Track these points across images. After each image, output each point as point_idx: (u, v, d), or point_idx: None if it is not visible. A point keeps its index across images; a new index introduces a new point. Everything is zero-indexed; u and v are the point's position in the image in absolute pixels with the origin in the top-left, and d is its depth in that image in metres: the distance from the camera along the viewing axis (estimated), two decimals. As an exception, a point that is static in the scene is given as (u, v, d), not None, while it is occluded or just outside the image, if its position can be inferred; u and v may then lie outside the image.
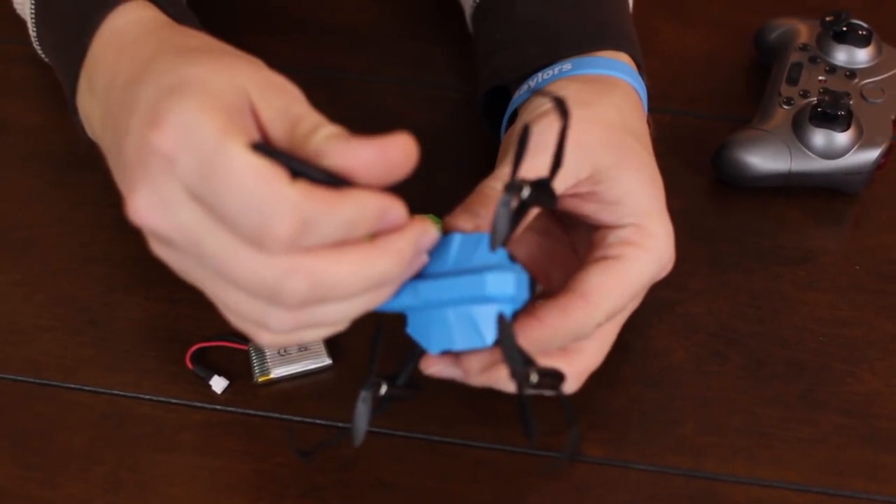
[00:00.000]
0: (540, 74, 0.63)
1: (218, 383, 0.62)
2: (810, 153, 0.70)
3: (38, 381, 0.62)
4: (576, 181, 0.57)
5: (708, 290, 0.67)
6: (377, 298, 0.50)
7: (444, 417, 0.61)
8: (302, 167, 0.46)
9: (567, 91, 0.60)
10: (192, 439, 0.60)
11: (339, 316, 0.49)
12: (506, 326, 0.51)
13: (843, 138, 0.69)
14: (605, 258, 0.56)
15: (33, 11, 0.65)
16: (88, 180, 0.71)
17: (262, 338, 0.49)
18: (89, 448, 0.60)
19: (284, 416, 0.61)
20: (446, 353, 0.53)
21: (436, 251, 0.52)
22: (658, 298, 0.63)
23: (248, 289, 0.47)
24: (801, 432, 0.61)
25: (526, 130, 0.50)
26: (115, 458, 0.59)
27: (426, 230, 0.50)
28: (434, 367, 0.54)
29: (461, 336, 0.52)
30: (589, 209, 0.58)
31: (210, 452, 0.60)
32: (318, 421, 0.61)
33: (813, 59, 0.74)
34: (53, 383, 0.62)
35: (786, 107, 0.71)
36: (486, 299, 0.51)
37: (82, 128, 0.61)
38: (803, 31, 0.76)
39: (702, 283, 0.67)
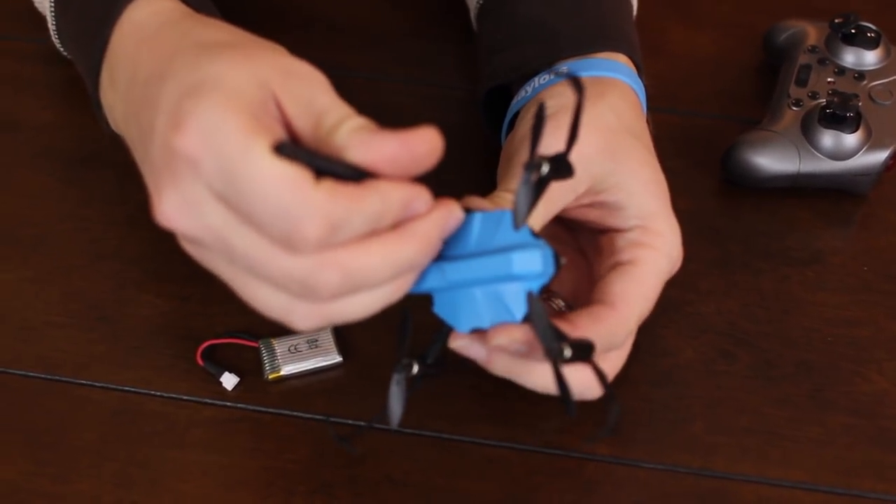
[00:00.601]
0: (537, 79, 0.63)
1: (228, 380, 0.62)
2: (819, 154, 0.70)
3: (49, 377, 0.62)
4: (574, 196, 0.57)
5: (717, 290, 0.67)
6: (403, 286, 0.50)
7: (454, 415, 0.61)
8: (326, 164, 0.46)
9: (565, 98, 0.60)
10: (203, 436, 0.60)
11: (366, 307, 0.49)
12: (535, 303, 0.51)
13: (851, 140, 0.69)
14: (619, 264, 0.57)
15: (52, 4, 0.66)
16: (99, 177, 0.71)
17: (293, 324, 0.50)
18: (100, 444, 0.60)
19: (295, 413, 0.61)
20: (475, 331, 0.53)
21: (457, 232, 0.52)
22: (667, 298, 0.63)
23: (279, 284, 0.47)
24: (809, 432, 0.61)
25: (542, 109, 0.50)
26: (126, 454, 0.59)
27: (451, 212, 0.50)
28: (461, 341, 0.54)
29: (490, 314, 0.52)
30: (594, 215, 0.58)
31: (221, 449, 0.60)
32: (329, 418, 0.61)
33: (822, 61, 0.74)
34: (65, 379, 0.62)
35: (795, 108, 0.72)
36: (513, 278, 0.51)
37: (105, 121, 0.61)
38: (812, 33, 0.76)
39: (710, 284, 0.67)
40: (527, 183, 0.50)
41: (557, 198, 0.57)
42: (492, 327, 0.52)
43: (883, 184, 0.72)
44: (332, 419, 0.61)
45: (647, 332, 0.63)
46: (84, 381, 0.62)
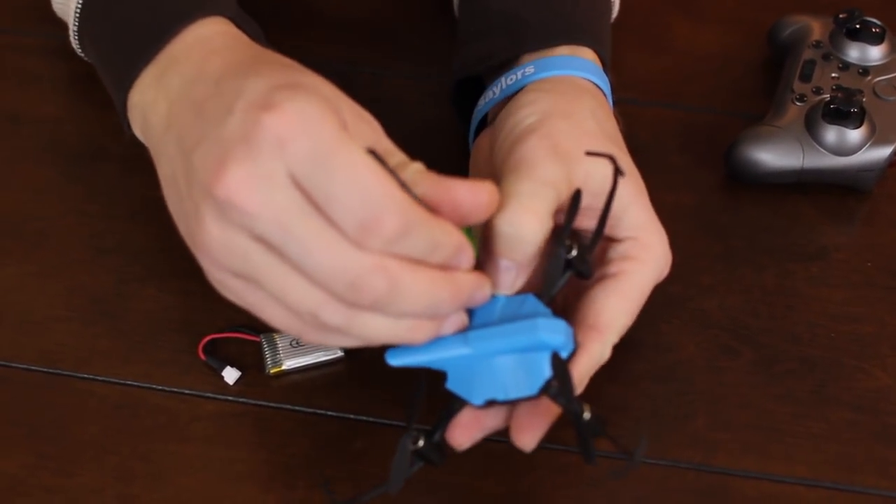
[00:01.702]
0: (504, 79, 0.64)
1: (230, 374, 0.62)
2: (823, 150, 0.70)
3: (51, 371, 0.62)
4: (567, 188, 0.57)
5: (719, 285, 0.67)
6: (418, 331, 0.51)
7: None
8: (402, 184, 0.49)
9: (543, 104, 0.60)
10: (205, 430, 0.60)
11: (381, 332, 0.50)
12: (561, 364, 0.53)
13: (855, 135, 0.69)
14: (606, 276, 0.58)
15: (79, 8, 0.65)
16: (102, 172, 0.71)
17: (305, 332, 0.51)
18: (102, 438, 0.60)
19: (296, 408, 0.61)
20: (489, 404, 0.54)
21: (480, 310, 0.55)
22: (669, 294, 0.63)
23: (322, 277, 0.48)
24: (812, 428, 0.61)
25: (578, 196, 0.55)
26: (128, 447, 0.59)
27: (485, 285, 0.53)
28: (462, 438, 0.55)
29: (513, 382, 0.53)
30: (588, 224, 0.58)
31: (222, 443, 0.60)
32: (329, 413, 0.61)
33: (826, 57, 0.74)
34: (67, 373, 0.62)
35: (798, 104, 0.71)
36: (538, 344, 0.53)
37: (128, 124, 0.61)
38: (816, 29, 0.76)
39: (713, 279, 0.67)
40: (557, 261, 0.54)
41: (556, 185, 0.56)
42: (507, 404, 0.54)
43: (887, 179, 0.72)
44: (332, 414, 0.61)
45: (650, 328, 0.63)
46: (86, 375, 0.62)
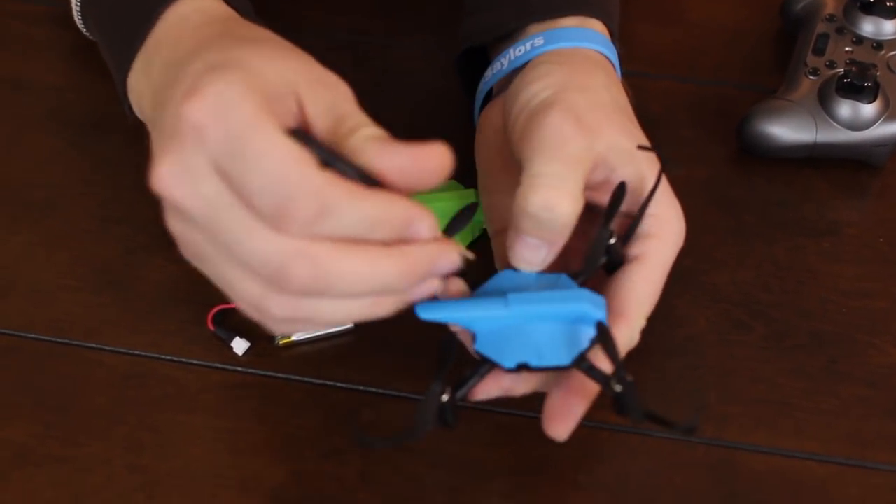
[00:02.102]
0: (512, 50, 0.63)
1: (239, 345, 0.62)
2: (836, 124, 0.69)
3: (60, 340, 0.62)
4: (592, 158, 0.56)
5: (731, 260, 0.66)
6: (379, 307, 0.50)
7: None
8: (335, 160, 0.47)
9: (558, 76, 0.59)
10: (213, 400, 0.60)
11: (338, 315, 0.49)
12: (607, 333, 0.53)
13: (869, 110, 0.69)
14: (626, 261, 0.57)
15: None
16: (109, 141, 0.71)
17: (265, 323, 0.50)
18: (111, 408, 0.60)
19: (305, 379, 0.61)
20: (520, 367, 0.54)
21: (512, 280, 0.55)
22: (681, 268, 0.63)
23: (254, 267, 0.47)
24: (823, 403, 0.61)
25: (622, 188, 0.56)
26: (137, 418, 0.59)
27: (448, 253, 0.50)
28: (479, 394, 0.55)
29: (546, 350, 0.53)
30: (601, 199, 0.58)
31: (231, 414, 0.60)
32: (339, 384, 0.61)
33: (840, 30, 0.74)
34: (75, 343, 0.62)
35: (812, 77, 0.71)
36: (580, 314, 0.53)
37: (130, 107, 0.61)
38: (830, 2, 0.75)
39: (725, 254, 0.67)
40: (599, 244, 0.55)
41: (572, 167, 0.56)
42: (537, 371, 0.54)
43: (900, 155, 0.71)
44: (341, 385, 0.60)
45: (661, 302, 0.62)
46: (94, 345, 0.62)
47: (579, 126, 0.56)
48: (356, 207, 0.46)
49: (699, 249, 0.66)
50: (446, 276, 0.51)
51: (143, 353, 0.62)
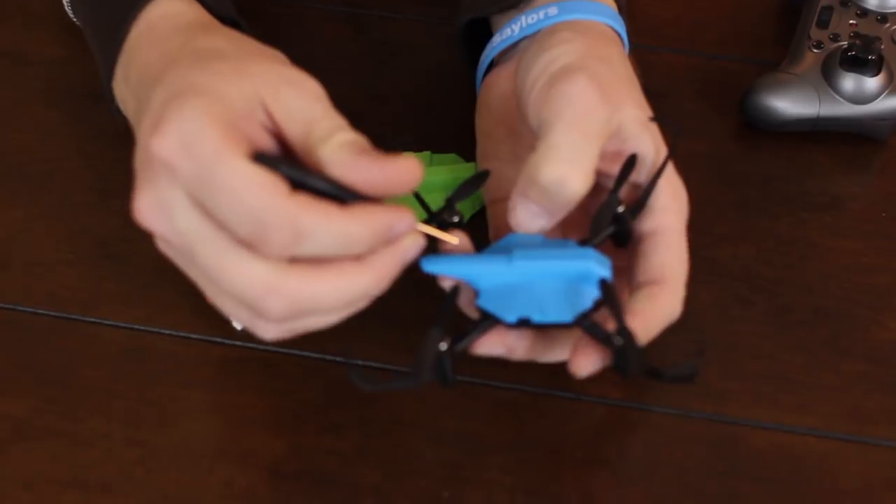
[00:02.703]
0: (524, 17, 0.62)
1: (238, 319, 0.61)
2: (839, 98, 0.69)
3: (58, 314, 0.62)
4: (609, 131, 0.56)
5: (733, 234, 0.66)
6: (357, 305, 0.52)
7: (466, 358, 0.60)
8: (306, 178, 0.48)
9: (578, 44, 0.58)
10: (212, 375, 0.60)
11: (324, 324, 0.52)
12: (611, 289, 0.53)
13: (872, 83, 0.68)
14: (646, 234, 0.57)
15: None
16: (107, 114, 0.70)
17: (258, 336, 0.52)
18: (109, 382, 0.60)
19: (305, 353, 0.61)
20: (521, 322, 0.54)
21: (520, 242, 0.55)
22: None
23: (235, 297, 0.50)
24: (824, 379, 0.61)
25: (633, 160, 0.56)
26: (136, 392, 0.59)
27: (413, 244, 0.51)
28: (481, 348, 0.55)
29: (549, 306, 0.53)
30: (610, 168, 0.57)
31: (230, 388, 0.60)
32: (338, 359, 0.60)
33: (844, 3, 0.73)
34: (74, 317, 0.62)
35: (815, 50, 0.70)
36: (585, 272, 0.53)
37: (118, 109, 0.61)
38: (835, -25, 0.75)
39: (727, 228, 0.66)
40: (607, 211, 0.55)
41: (601, 134, 0.56)
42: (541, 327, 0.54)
43: (904, 129, 0.71)
44: (340, 360, 0.60)
45: (662, 276, 0.62)
46: (93, 319, 0.62)
47: (603, 95, 0.55)
48: (331, 228, 0.48)
49: (701, 224, 0.65)
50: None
51: (141, 327, 0.62)
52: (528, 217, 0.55)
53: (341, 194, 0.49)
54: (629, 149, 0.57)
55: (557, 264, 0.54)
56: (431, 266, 0.54)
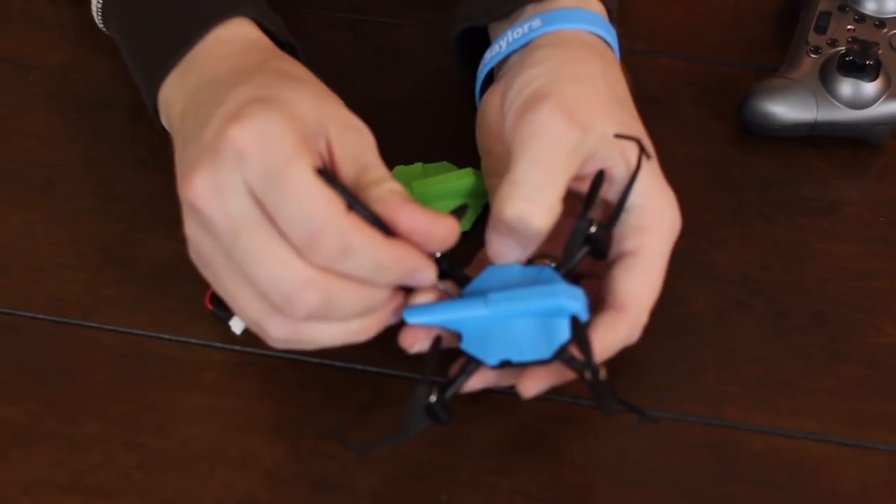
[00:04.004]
0: (510, 32, 0.62)
1: (237, 324, 0.62)
2: (837, 103, 0.69)
3: (58, 319, 0.62)
4: (581, 158, 0.56)
5: (731, 239, 0.66)
6: (365, 332, 0.54)
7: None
8: (355, 203, 0.51)
9: (553, 63, 0.58)
10: (212, 379, 0.60)
11: (332, 337, 0.53)
12: (581, 328, 0.54)
13: (870, 88, 0.68)
14: (623, 254, 0.57)
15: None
16: (110, 119, 0.71)
17: (261, 336, 0.54)
18: (109, 386, 0.60)
19: (304, 358, 0.61)
20: (503, 364, 0.55)
21: (497, 275, 0.56)
22: (680, 247, 0.62)
23: (263, 288, 0.51)
24: (822, 383, 0.61)
25: (600, 176, 0.56)
26: (135, 396, 0.59)
27: (426, 278, 0.54)
28: (468, 387, 0.57)
29: (526, 345, 0.55)
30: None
31: (229, 392, 0.60)
32: (337, 363, 0.61)
33: (842, 8, 0.73)
34: (74, 322, 0.62)
35: (813, 56, 0.70)
36: (557, 308, 0.54)
37: (157, 117, 0.62)
38: (833, -20, 0.75)
39: (725, 232, 0.67)
40: (577, 235, 0.55)
41: (569, 163, 0.56)
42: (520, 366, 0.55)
43: (902, 134, 0.71)
44: (339, 364, 0.60)
45: (660, 281, 0.63)
46: (93, 324, 0.62)
47: (570, 121, 0.55)
48: (374, 252, 0.51)
49: (699, 228, 0.66)
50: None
51: (141, 332, 0.62)
52: (502, 250, 0.56)
53: (383, 228, 0.52)
54: (607, 170, 0.57)
55: (530, 304, 0.55)
56: (413, 317, 0.55)
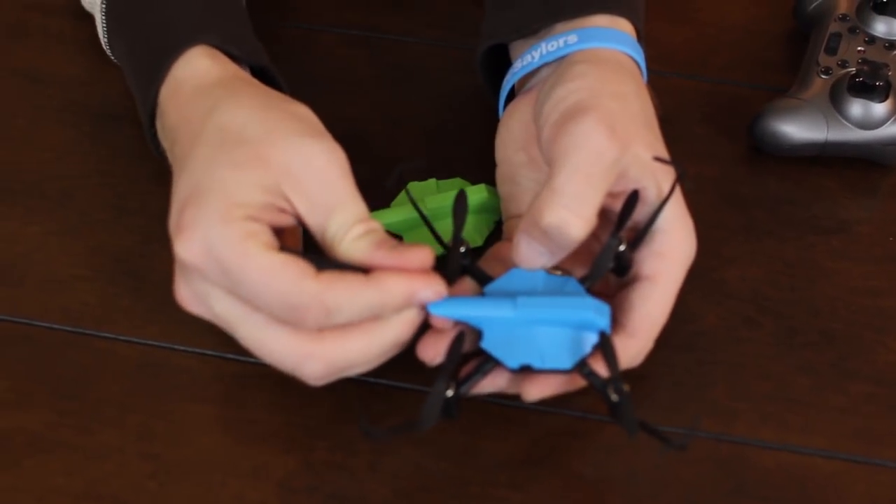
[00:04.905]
0: (544, 45, 0.62)
1: (251, 336, 0.62)
2: (847, 123, 0.69)
3: (74, 329, 0.63)
4: (614, 174, 0.57)
5: (741, 257, 0.67)
6: (395, 353, 0.55)
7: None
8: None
9: (592, 79, 0.59)
10: (225, 390, 0.61)
11: (364, 370, 0.55)
12: (610, 345, 0.54)
13: (880, 109, 0.69)
14: (639, 278, 0.58)
15: (104, 22, 0.67)
16: (125, 133, 0.71)
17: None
18: (124, 397, 0.60)
19: (317, 371, 0.61)
20: (523, 368, 0.55)
21: (522, 279, 0.56)
22: (691, 264, 0.63)
23: (273, 363, 0.54)
24: (831, 400, 0.61)
25: (634, 196, 0.56)
26: (149, 406, 0.60)
27: (433, 292, 0.54)
28: (481, 389, 0.57)
29: (549, 353, 0.55)
30: (618, 205, 0.58)
31: (242, 404, 0.60)
32: (359, 378, 0.61)
33: (852, 30, 0.74)
34: (89, 332, 0.63)
35: (824, 76, 0.71)
36: (585, 321, 0.55)
37: (157, 145, 0.64)
38: (843, 2, 0.76)
39: (735, 251, 0.67)
40: (608, 252, 0.56)
41: (607, 177, 0.56)
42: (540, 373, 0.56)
43: (911, 154, 0.71)
44: (352, 377, 0.61)
45: (671, 298, 0.63)
46: (108, 335, 0.63)
47: (612, 136, 0.56)
48: (358, 301, 0.52)
49: (709, 246, 0.66)
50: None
51: (156, 343, 0.62)
52: (531, 255, 0.56)
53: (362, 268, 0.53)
54: (637, 186, 0.57)
55: (559, 312, 0.55)
56: (438, 309, 0.55)
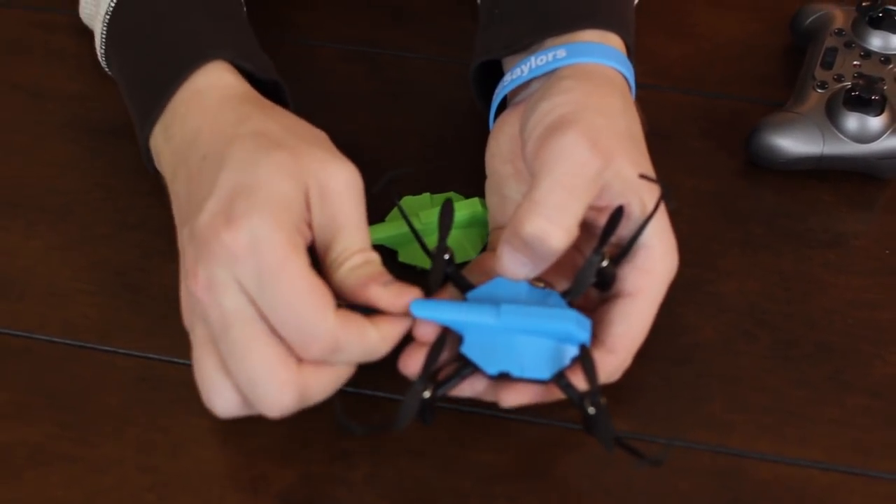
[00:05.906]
0: (533, 59, 0.63)
1: (251, 349, 0.62)
2: (843, 137, 0.70)
3: (74, 343, 0.63)
4: (596, 188, 0.57)
5: (738, 270, 0.67)
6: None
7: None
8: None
9: (578, 94, 0.59)
10: (225, 403, 0.61)
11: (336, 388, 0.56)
12: (590, 359, 0.54)
13: (876, 123, 0.69)
14: (620, 294, 0.58)
15: (104, 34, 0.68)
16: (126, 148, 0.72)
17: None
18: (123, 409, 0.61)
19: (316, 383, 0.61)
20: (501, 376, 0.56)
21: (504, 288, 0.57)
22: (688, 277, 0.64)
23: (241, 383, 0.54)
24: (828, 413, 0.61)
25: (619, 212, 0.57)
26: (149, 419, 0.60)
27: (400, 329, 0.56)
28: (457, 392, 0.57)
29: (528, 363, 0.55)
30: (603, 220, 0.58)
31: (241, 417, 0.60)
32: (347, 388, 0.61)
33: (848, 44, 0.74)
34: (89, 346, 0.63)
35: (820, 90, 0.71)
36: (566, 333, 0.55)
37: (150, 160, 0.64)
38: (839, 17, 0.76)
39: (732, 264, 0.67)
40: (590, 267, 0.56)
41: (589, 190, 0.57)
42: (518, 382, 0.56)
43: (907, 168, 0.72)
44: (349, 389, 0.61)
45: (667, 311, 0.63)
46: (108, 348, 0.63)
47: (595, 149, 0.56)
48: (362, 344, 0.54)
49: (706, 259, 0.66)
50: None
51: (156, 356, 0.63)
52: (513, 265, 0.56)
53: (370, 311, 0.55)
54: (617, 204, 0.58)
55: (541, 323, 0.55)
56: (421, 310, 0.55)
